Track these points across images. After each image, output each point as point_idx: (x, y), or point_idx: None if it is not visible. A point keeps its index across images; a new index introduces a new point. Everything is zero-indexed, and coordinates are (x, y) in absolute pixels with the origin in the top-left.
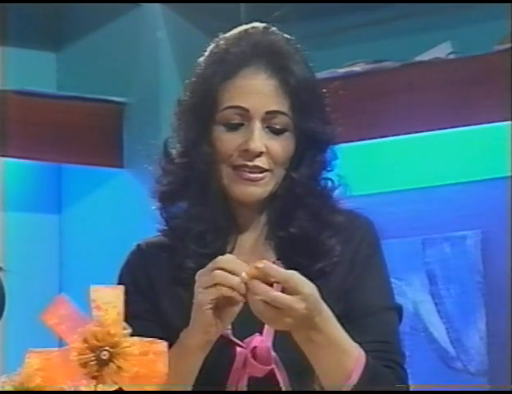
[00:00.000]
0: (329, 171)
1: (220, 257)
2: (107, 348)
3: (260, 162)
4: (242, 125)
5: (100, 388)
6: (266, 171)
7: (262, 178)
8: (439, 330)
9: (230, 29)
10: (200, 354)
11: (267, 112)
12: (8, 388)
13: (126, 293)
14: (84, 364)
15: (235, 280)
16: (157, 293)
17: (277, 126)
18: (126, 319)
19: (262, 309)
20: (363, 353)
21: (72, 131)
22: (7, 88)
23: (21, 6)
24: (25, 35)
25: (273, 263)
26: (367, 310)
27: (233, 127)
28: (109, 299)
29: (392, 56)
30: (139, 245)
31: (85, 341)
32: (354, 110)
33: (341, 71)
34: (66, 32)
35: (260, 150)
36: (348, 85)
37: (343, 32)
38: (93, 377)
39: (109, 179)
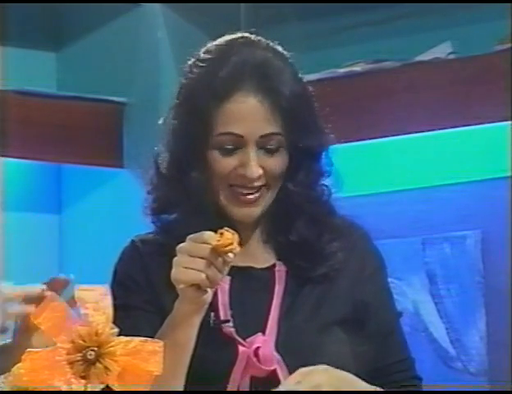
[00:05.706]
0: (325, 177)
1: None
2: (93, 348)
3: (257, 182)
4: (237, 149)
5: (91, 388)
6: (262, 186)
7: (259, 197)
8: (439, 330)
9: (230, 30)
10: (196, 318)
11: (262, 136)
12: (9, 388)
13: (124, 286)
14: (71, 364)
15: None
16: (157, 290)
17: (272, 147)
18: (125, 311)
19: None
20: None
21: (72, 131)
22: (7, 88)
23: (21, 6)
24: (25, 35)
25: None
26: (387, 329)
27: (228, 152)
28: (95, 298)
29: (392, 56)
30: (133, 242)
31: (72, 341)
32: (354, 110)
33: (341, 71)
34: (66, 32)
35: (257, 176)
36: (348, 85)
37: (343, 32)
38: (81, 377)
39: (109, 179)
